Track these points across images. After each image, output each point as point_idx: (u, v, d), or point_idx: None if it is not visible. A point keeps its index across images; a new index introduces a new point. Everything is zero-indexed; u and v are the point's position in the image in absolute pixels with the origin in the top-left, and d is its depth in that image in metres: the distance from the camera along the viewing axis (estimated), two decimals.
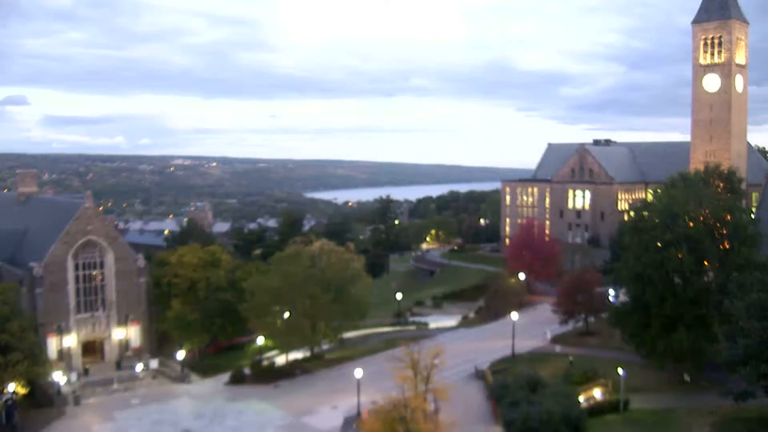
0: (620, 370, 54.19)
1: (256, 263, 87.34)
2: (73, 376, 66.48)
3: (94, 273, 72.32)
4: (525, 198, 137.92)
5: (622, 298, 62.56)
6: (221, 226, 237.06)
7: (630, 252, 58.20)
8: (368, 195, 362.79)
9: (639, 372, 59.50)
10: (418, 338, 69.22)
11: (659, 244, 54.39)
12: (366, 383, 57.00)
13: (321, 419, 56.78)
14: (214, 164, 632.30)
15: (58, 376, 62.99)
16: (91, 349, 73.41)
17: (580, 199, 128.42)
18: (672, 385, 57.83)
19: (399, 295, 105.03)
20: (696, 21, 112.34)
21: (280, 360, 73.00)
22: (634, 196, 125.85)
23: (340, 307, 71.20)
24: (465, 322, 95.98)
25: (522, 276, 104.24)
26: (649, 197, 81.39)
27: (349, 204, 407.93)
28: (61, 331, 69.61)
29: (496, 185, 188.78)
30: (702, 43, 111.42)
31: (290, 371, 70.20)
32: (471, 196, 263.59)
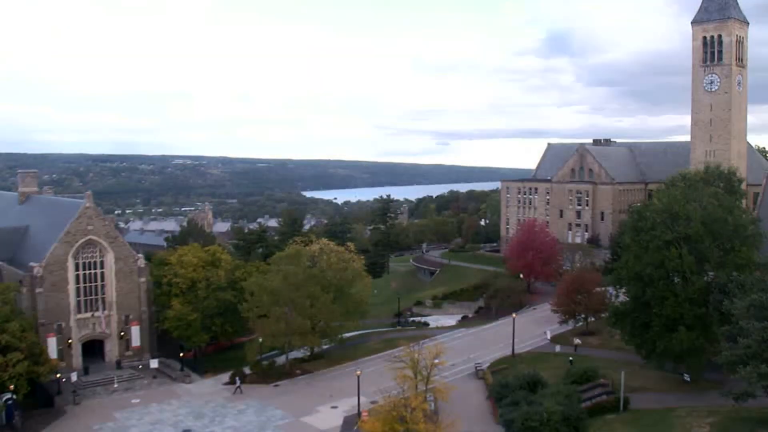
0: (620, 370, 54.27)
1: (256, 263, 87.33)
2: (74, 376, 66.45)
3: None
4: (525, 198, 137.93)
5: (622, 297, 62.52)
6: (221, 226, 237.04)
7: (630, 252, 58.22)
8: (368, 195, 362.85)
9: (639, 372, 59.53)
10: (418, 338, 69.18)
11: (659, 244, 54.40)
12: (366, 383, 57.00)
13: (321, 419, 56.83)
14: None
15: (59, 376, 63.03)
16: (91, 349, 73.44)
17: (580, 199, 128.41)
18: (672, 385, 57.81)
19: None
20: (696, 21, 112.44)
21: (280, 360, 73.00)
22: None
23: (340, 307, 71.32)
24: (465, 322, 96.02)
25: (522, 276, 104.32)
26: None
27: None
28: (61, 331, 69.63)
29: (496, 185, 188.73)
30: (702, 43, 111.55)
31: (290, 371, 70.21)
32: (471, 196, 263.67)
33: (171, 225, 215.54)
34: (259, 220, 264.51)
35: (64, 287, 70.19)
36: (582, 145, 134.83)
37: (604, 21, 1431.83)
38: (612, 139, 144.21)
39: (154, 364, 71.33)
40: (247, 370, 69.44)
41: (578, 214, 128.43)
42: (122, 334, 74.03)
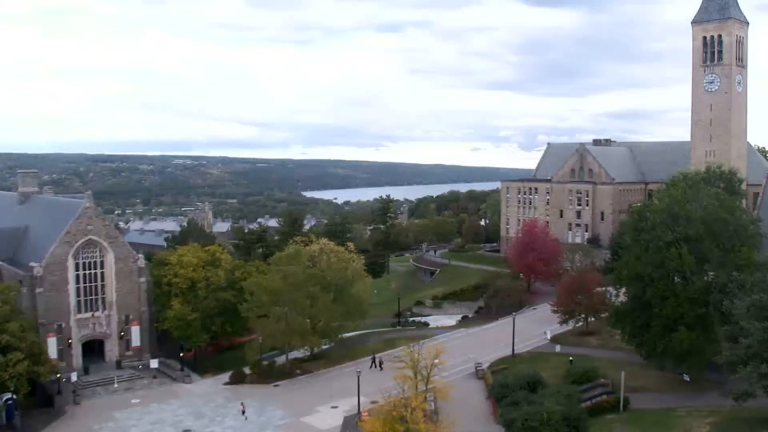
0: (620, 370, 54.25)
1: (256, 263, 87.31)
2: (73, 376, 66.44)
3: None
4: (525, 198, 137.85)
5: (622, 297, 62.49)
6: (221, 226, 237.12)
7: (630, 252, 58.18)
8: (368, 195, 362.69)
9: (639, 372, 59.49)
10: (418, 338, 69.19)
11: (660, 245, 54.38)
12: (366, 383, 57.01)
13: (321, 419, 56.80)
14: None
15: (59, 376, 63.01)
16: (92, 348, 73.41)
17: (580, 199, 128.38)
18: (672, 385, 57.81)
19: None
20: (696, 21, 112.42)
21: (280, 360, 72.98)
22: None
23: (340, 307, 71.27)
24: (465, 322, 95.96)
25: (522, 276, 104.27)
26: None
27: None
28: (61, 331, 69.61)
29: (496, 185, 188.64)
30: (702, 43, 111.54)
31: (290, 371, 70.19)
32: (471, 196, 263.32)
33: (171, 225, 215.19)
34: (259, 220, 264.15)
35: (64, 287, 70.18)
36: (582, 145, 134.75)
37: None
38: (612, 139, 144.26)
39: (154, 364, 71.32)
40: (247, 370, 69.44)
41: (578, 214, 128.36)
42: (122, 334, 74.03)
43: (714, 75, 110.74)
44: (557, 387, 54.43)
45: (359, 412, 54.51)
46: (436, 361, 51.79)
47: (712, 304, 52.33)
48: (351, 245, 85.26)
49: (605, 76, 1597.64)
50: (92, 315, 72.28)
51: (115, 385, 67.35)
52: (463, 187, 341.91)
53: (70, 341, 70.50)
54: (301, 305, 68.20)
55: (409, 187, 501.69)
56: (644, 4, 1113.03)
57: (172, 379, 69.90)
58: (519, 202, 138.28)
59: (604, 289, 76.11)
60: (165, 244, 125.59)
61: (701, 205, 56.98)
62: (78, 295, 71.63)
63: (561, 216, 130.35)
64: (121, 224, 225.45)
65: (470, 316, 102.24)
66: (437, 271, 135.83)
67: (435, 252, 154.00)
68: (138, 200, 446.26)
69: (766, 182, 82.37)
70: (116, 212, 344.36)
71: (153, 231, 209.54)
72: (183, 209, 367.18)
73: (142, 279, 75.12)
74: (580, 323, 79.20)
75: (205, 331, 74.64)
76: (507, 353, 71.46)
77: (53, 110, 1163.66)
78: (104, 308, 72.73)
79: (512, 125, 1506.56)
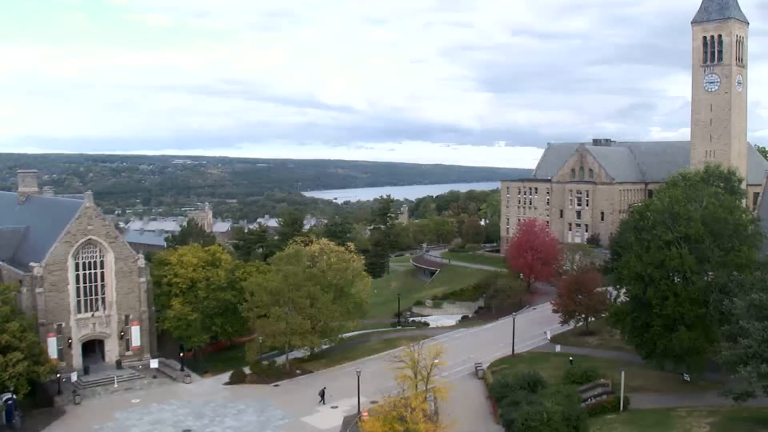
0: (620, 370, 54.25)
1: (256, 263, 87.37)
2: (73, 376, 66.44)
3: None
4: (525, 198, 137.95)
5: (622, 297, 62.48)
6: (221, 226, 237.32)
7: (631, 252, 58.19)
8: (368, 195, 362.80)
9: (639, 372, 59.50)
10: (418, 338, 69.15)
11: (660, 244, 54.41)
12: (366, 383, 57.04)
13: (321, 419, 56.78)
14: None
15: (59, 376, 63.03)
16: (92, 348, 73.42)
17: (580, 199, 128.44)
18: (672, 385, 57.82)
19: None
20: (696, 21, 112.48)
21: (280, 360, 73.01)
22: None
23: (340, 307, 71.34)
24: (465, 322, 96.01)
25: (522, 276, 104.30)
26: None
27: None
28: (61, 331, 69.63)
29: (496, 185, 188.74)
30: (702, 43, 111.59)
31: (290, 371, 70.20)
32: (471, 196, 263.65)
33: (171, 225, 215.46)
34: (259, 220, 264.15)
35: (64, 287, 70.14)
36: (582, 145, 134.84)
37: None
38: (612, 139, 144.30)
39: (154, 364, 71.29)
40: (247, 370, 69.46)
41: (578, 214, 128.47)
42: (122, 334, 73.99)
43: (714, 75, 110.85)
44: (557, 387, 54.38)
45: (359, 412, 54.51)
46: (436, 361, 51.79)
47: (712, 304, 52.28)
48: (351, 245, 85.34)
49: (605, 76, 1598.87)
50: (92, 315, 72.20)
51: (115, 385, 67.30)
52: (463, 187, 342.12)
53: (70, 341, 70.44)
54: (301, 305, 68.21)
55: (409, 187, 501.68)
56: (644, 4, 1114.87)
57: (172, 379, 69.87)
58: (519, 202, 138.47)
59: (604, 289, 76.15)
60: (165, 244, 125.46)
61: (701, 205, 57.05)
62: (78, 295, 71.54)
63: (561, 216, 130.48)
64: (121, 224, 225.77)
65: (470, 316, 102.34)
66: (437, 271, 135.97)
67: (435, 252, 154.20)
68: (138, 200, 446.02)
69: (766, 182, 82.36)
70: (116, 212, 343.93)
71: (153, 231, 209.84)
72: (183, 209, 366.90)
73: (142, 279, 75.06)
74: (580, 323, 79.24)
75: (205, 331, 74.69)
76: (507, 353, 71.48)
77: (53, 110, 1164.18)
78: (104, 308, 72.67)
79: (511, 125, 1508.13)
